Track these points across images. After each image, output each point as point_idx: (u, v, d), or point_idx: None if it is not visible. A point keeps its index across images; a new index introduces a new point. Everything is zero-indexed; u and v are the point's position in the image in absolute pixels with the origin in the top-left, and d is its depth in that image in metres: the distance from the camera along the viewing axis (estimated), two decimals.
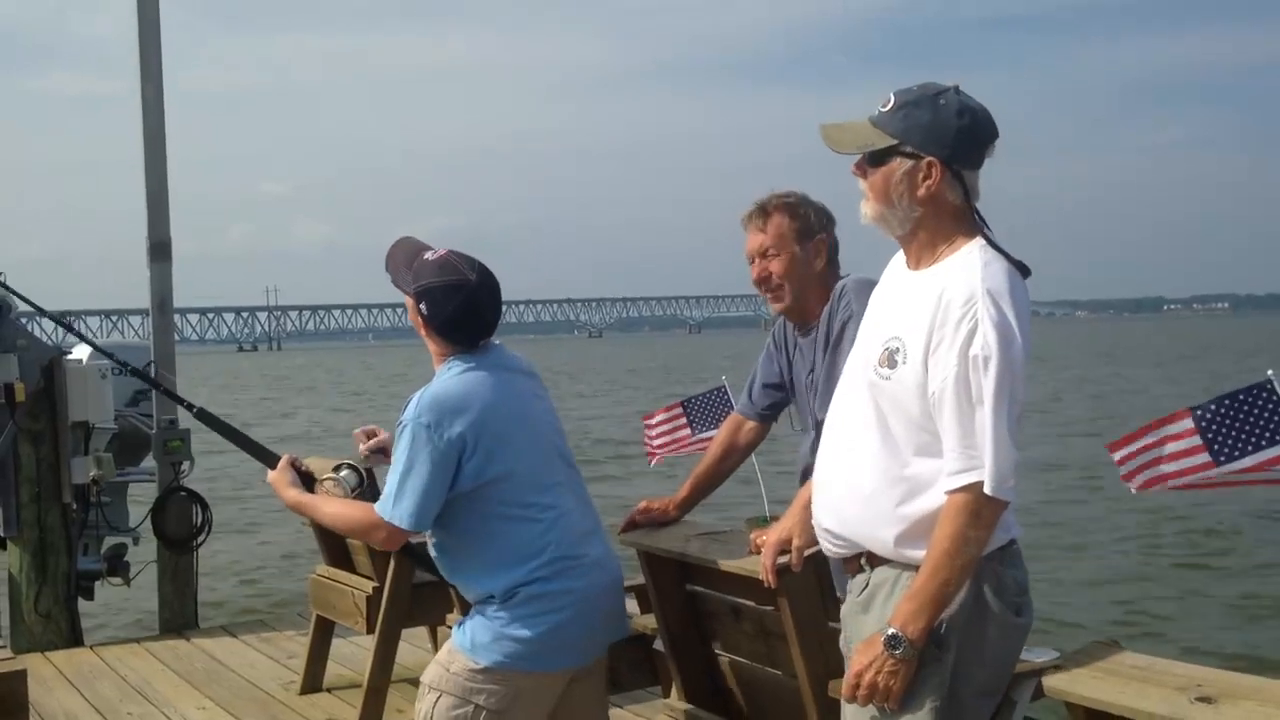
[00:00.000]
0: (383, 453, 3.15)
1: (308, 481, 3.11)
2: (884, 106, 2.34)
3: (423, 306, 2.87)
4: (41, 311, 5.46)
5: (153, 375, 5.66)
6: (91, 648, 6.25)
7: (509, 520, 2.80)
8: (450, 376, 2.86)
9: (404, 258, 2.96)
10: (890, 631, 2.23)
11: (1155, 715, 2.04)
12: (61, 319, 5.60)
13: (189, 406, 4.00)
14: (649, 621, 3.68)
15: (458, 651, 2.82)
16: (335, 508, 3.00)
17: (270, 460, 3.20)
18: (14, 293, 5.69)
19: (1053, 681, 2.22)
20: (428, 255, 2.91)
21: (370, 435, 3.21)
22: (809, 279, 3.18)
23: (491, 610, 2.80)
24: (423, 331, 2.92)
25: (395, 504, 2.78)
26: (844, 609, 2.50)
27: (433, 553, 2.95)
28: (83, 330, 6.38)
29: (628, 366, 64.92)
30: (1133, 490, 4.60)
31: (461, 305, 2.86)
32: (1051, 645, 2.75)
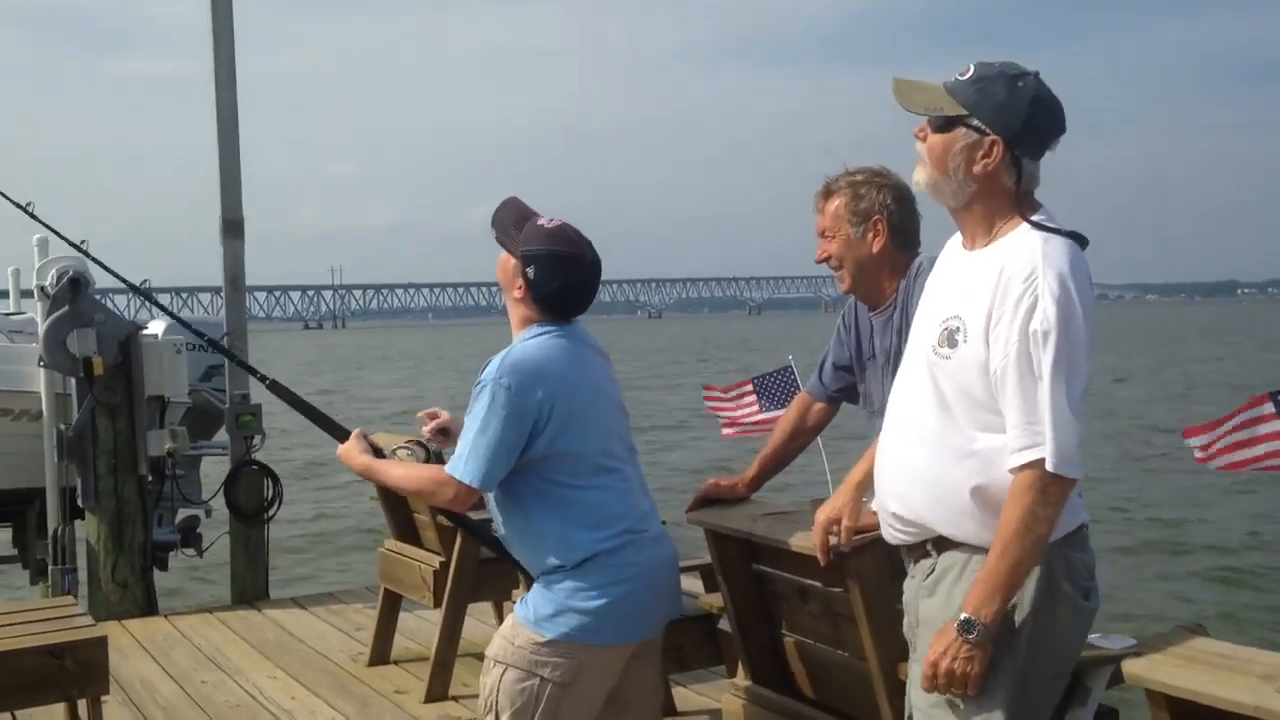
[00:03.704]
0: (444, 433, 3.16)
1: (377, 455, 3.11)
2: (962, 74, 2.30)
3: (530, 271, 2.82)
4: (133, 288, 5.46)
5: (227, 347, 5.70)
6: (166, 616, 6.38)
7: (580, 489, 2.79)
8: (533, 342, 2.83)
9: (513, 217, 2.91)
10: (963, 616, 2.19)
11: (1241, 704, 1.99)
12: (148, 294, 5.62)
13: (262, 378, 3.97)
14: (714, 600, 3.67)
15: (522, 625, 2.82)
16: (403, 469, 3.03)
17: (341, 434, 3.21)
18: (104, 266, 5.64)
19: (1133, 668, 2.17)
20: (542, 221, 2.87)
21: (433, 417, 3.20)
22: (865, 261, 3.10)
23: (555, 582, 2.80)
24: (516, 294, 2.86)
25: (466, 461, 2.76)
26: (907, 592, 2.46)
27: (499, 526, 2.94)
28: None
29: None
30: (1214, 468, 4.64)
31: (570, 279, 2.83)
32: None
